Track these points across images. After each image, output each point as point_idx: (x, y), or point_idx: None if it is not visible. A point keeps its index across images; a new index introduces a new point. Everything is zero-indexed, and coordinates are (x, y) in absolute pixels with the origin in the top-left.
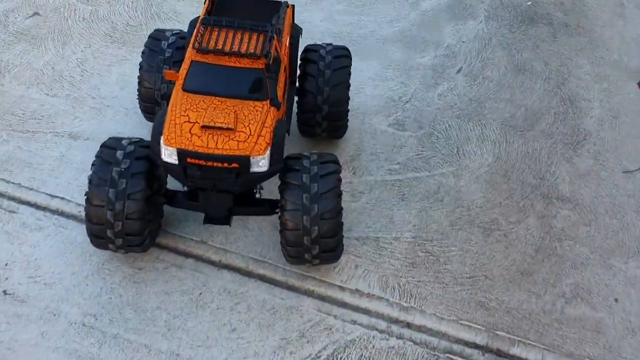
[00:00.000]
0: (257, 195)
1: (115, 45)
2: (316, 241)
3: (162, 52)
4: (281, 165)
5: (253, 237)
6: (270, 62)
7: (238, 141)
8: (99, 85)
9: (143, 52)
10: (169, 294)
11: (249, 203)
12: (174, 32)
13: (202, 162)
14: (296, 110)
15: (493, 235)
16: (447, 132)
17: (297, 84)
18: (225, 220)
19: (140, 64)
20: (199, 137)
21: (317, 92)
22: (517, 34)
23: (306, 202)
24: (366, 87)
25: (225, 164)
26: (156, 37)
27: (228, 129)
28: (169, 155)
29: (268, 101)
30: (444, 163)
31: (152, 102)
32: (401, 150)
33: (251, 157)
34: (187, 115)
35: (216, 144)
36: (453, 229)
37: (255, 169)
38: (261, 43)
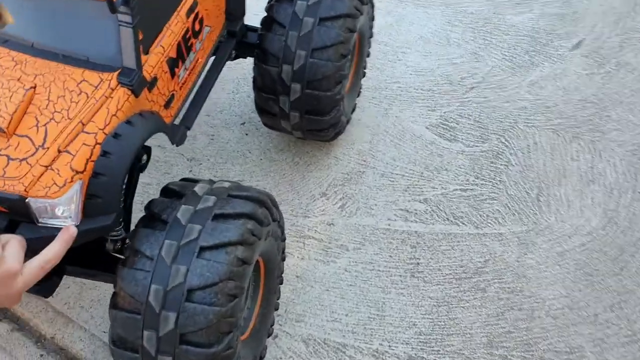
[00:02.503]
0: (113, 247)
1: None
2: (168, 341)
3: None
4: (115, 216)
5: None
6: None
7: (9, 159)
8: None
9: None
10: None
11: (94, 261)
12: None
13: None
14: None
15: None
16: (529, 155)
17: (257, 39)
18: (40, 290)
19: None
20: None
21: (283, 58)
22: None
23: (165, 258)
24: (410, 53)
25: None
26: None
27: None
28: None
29: (116, 74)
30: (508, 215)
31: None
32: (437, 177)
33: (29, 199)
34: None
35: None
36: (492, 356)
37: (46, 220)
38: None
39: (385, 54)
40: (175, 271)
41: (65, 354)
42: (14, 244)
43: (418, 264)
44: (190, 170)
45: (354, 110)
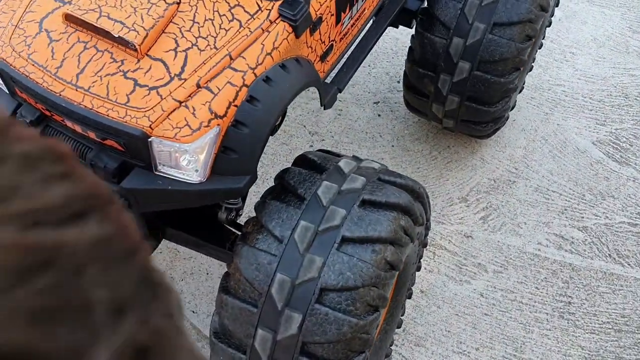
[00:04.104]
0: (226, 216)
1: None
2: (286, 348)
3: None
4: (248, 179)
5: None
6: None
7: (136, 84)
8: None
9: None
10: None
11: (201, 228)
12: None
13: (40, 108)
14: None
15: None
16: None
17: (419, 9)
18: None
19: None
20: (47, 44)
21: (455, 29)
22: None
23: (298, 243)
24: (580, 55)
25: (92, 135)
26: None
27: (123, 42)
28: None
29: (278, 3)
30: None
31: None
32: (602, 203)
33: (152, 138)
34: None
35: (76, 78)
36: None
37: (166, 169)
38: None
39: (550, 51)
40: (308, 262)
41: None
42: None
43: (570, 303)
44: (311, 145)
45: (513, 107)
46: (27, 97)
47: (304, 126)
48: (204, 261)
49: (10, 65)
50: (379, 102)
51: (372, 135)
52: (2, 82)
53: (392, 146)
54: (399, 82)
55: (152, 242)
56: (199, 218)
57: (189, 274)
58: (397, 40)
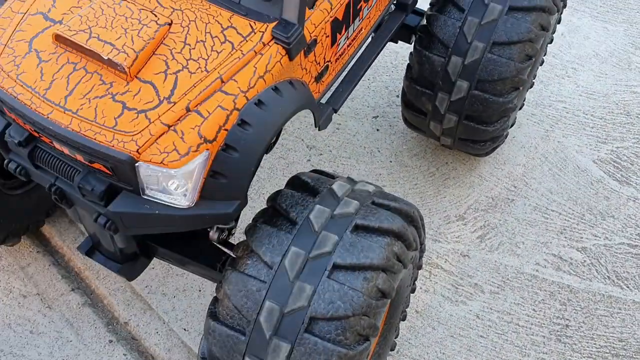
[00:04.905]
0: (217, 236)
1: None
2: None
3: None
4: (237, 204)
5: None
6: None
7: (124, 107)
8: None
9: None
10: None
11: (192, 248)
12: None
13: (28, 128)
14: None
15: None
16: None
17: (418, 25)
18: (124, 269)
19: None
20: (36, 64)
21: (454, 47)
22: None
23: (288, 270)
24: (581, 71)
25: (80, 158)
26: None
27: (113, 64)
28: None
29: (271, 25)
30: None
31: None
32: (601, 223)
33: (139, 163)
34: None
35: (64, 100)
36: None
37: (153, 193)
38: None
39: (552, 66)
40: (298, 290)
41: (136, 345)
42: None
43: (567, 326)
44: (309, 160)
45: (513, 124)
46: (16, 118)
47: (302, 140)
48: (196, 278)
49: None
50: (377, 116)
51: (370, 150)
52: None
53: (390, 162)
54: (397, 96)
55: (144, 261)
56: (190, 237)
57: (182, 291)
58: (397, 54)
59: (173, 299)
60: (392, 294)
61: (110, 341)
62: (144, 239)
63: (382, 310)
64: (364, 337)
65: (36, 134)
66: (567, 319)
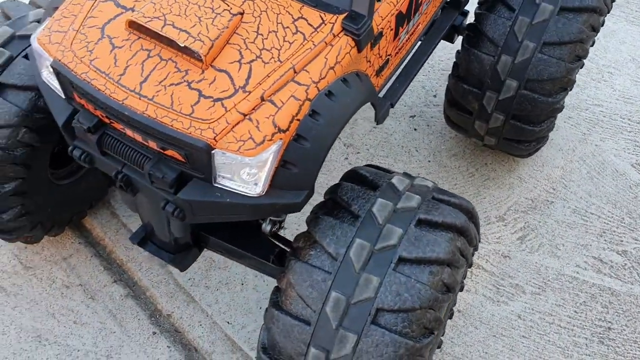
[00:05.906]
0: (269, 229)
1: None
2: None
3: None
4: (306, 194)
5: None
6: None
7: (200, 95)
8: None
9: None
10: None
11: (243, 239)
12: None
13: (99, 115)
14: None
15: None
16: None
17: (466, 22)
18: (177, 259)
19: None
20: (109, 50)
21: (504, 46)
22: None
23: (354, 261)
24: (618, 75)
25: (153, 145)
26: None
27: (189, 52)
28: (46, 69)
29: (341, 17)
30: None
31: None
32: None
33: (215, 150)
34: None
35: (140, 87)
36: None
37: (225, 181)
38: None
39: (588, 70)
40: (364, 281)
41: (180, 337)
42: None
43: (609, 329)
44: (346, 158)
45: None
46: (86, 103)
47: (339, 138)
48: (238, 271)
49: (72, 70)
50: (415, 115)
51: (408, 150)
52: (59, 87)
53: (429, 161)
54: (435, 96)
55: (196, 251)
56: (241, 229)
57: (224, 284)
58: (434, 53)
59: (216, 292)
60: (456, 288)
61: (154, 333)
62: (198, 229)
63: (446, 304)
64: (429, 330)
65: (107, 120)
66: (610, 322)
